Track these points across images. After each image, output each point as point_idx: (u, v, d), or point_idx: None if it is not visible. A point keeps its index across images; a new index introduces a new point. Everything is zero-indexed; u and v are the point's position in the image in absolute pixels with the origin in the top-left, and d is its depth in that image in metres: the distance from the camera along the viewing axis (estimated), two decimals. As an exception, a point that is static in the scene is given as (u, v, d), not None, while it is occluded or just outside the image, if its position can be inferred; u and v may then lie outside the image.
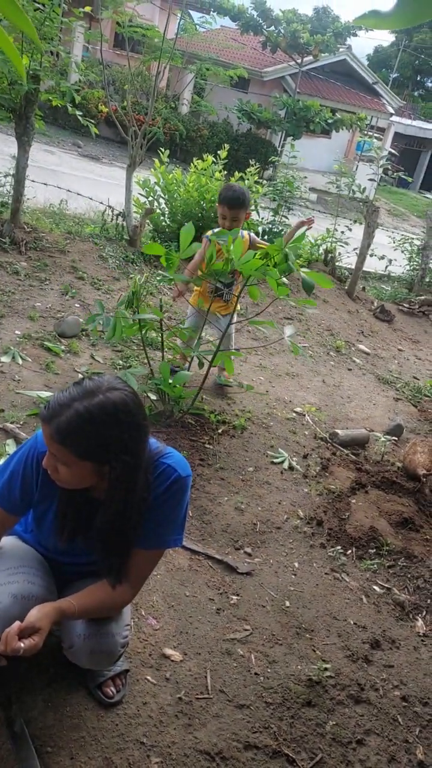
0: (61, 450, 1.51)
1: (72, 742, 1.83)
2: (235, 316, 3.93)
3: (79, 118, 4.88)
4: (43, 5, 4.58)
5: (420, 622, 2.72)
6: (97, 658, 1.82)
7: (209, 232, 3.92)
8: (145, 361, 3.83)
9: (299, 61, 18.85)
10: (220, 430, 3.72)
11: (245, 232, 3.97)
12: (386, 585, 2.90)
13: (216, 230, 3.85)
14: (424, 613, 2.79)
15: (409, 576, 2.99)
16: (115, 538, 1.66)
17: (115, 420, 1.52)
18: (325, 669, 2.31)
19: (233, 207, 3.78)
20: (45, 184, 6.41)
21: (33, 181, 5.78)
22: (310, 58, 18.96)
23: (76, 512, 1.70)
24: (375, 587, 2.87)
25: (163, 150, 6.42)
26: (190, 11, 16.30)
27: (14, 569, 1.74)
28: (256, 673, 2.23)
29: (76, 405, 1.50)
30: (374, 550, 3.10)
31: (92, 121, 5.03)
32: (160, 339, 3.78)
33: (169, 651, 2.22)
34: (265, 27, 17.97)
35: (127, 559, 1.72)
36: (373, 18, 1.05)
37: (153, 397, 3.75)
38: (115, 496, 1.59)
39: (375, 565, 3.00)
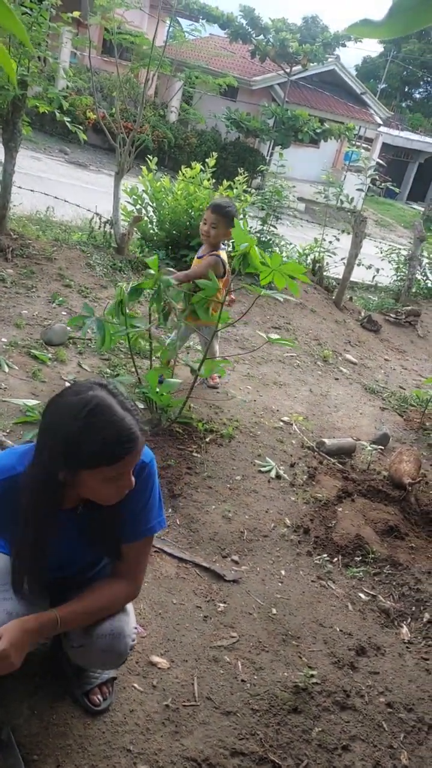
0: None
1: (58, 749, 1.83)
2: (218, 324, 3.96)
3: (68, 124, 4.90)
4: (31, 9, 4.59)
5: (405, 629, 2.75)
6: (107, 658, 1.82)
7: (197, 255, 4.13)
8: (133, 369, 3.84)
9: (288, 70, 18.99)
10: (207, 439, 3.73)
11: (215, 253, 3.99)
12: (372, 592, 2.93)
13: (202, 248, 4.09)
14: (409, 620, 2.81)
15: (394, 583, 3.02)
16: (106, 537, 1.74)
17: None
18: (312, 676, 2.33)
19: (214, 211, 3.93)
20: (32, 190, 6.42)
21: (20, 187, 5.78)
22: (299, 67, 19.11)
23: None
24: (361, 594, 2.90)
25: (151, 158, 6.44)
26: (179, 18, 16.41)
27: (8, 586, 1.73)
28: (242, 680, 2.24)
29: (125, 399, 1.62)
30: (360, 558, 3.13)
31: (80, 127, 5.05)
32: (148, 347, 3.79)
33: (156, 658, 2.22)
34: (254, 35, 18.09)
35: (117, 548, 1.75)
36: (366, 27, 1.07)
37: (141, 405, 3.76)
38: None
39: (361, 573, 3.03)
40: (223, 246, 4.15)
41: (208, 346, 3.83)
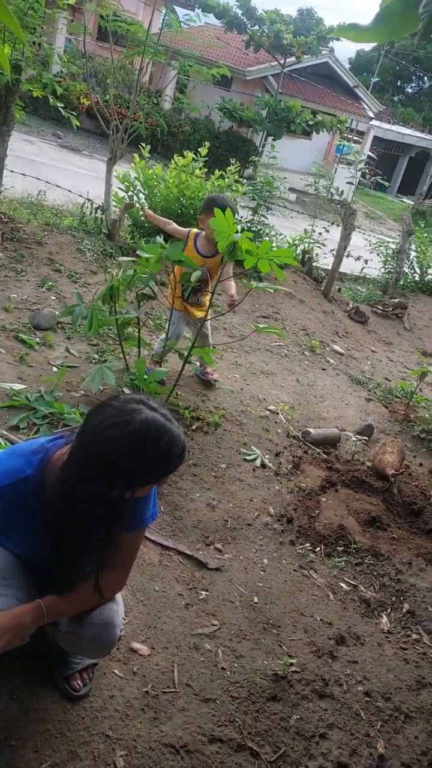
0: None
1: (37, 735, 1.83)
2: (209, 314, 3.95)
3: (61, 109, 4.85)
4: (27, -5, 4.54)
5: (384, 619, 2.77)
6: (96, 647, 1.83)
7: (194, 230, 3.99)
8: (121, 355, 3.82)
9: (282, 61, 18.89)
10: (194, 427, 3.73)
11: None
12: (353, 582, 2.95)
13: (199, 233, 3.96)
14: (389, 610, 2.84)
15: (375, 574, 3.04)
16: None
17: None
18: (291, 664, 2.34)
19: (204, 213, 3.85)
20: (23, 174, 6.35)
21: (12, 171, 5.73)
22: (293, 59, 19.00)
23: None
24: (342, 584, 2.92)
25: (143, 145, 6.40)
26: (174, 7, 16.25)
27: (1, 581, 1.71)
28: (222, 668, 2.25)
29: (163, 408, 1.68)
30: (342, 548, 3.15)
31: (73, 113, 5.00)
32: (136, 334, 3.78)
33: (137, 645, 2.23)
34: (249, 26, 17.97)
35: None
36: (353, 31, 1.08)
37: (128, 391, 3.74)
38: None
39: (342, 563, 3.05)
40: None
41: (195, 337, 3.81)
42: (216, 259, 3.89)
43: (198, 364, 4.31)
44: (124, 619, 1.90)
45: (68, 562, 1.68)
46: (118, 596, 1.88)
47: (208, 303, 3.89)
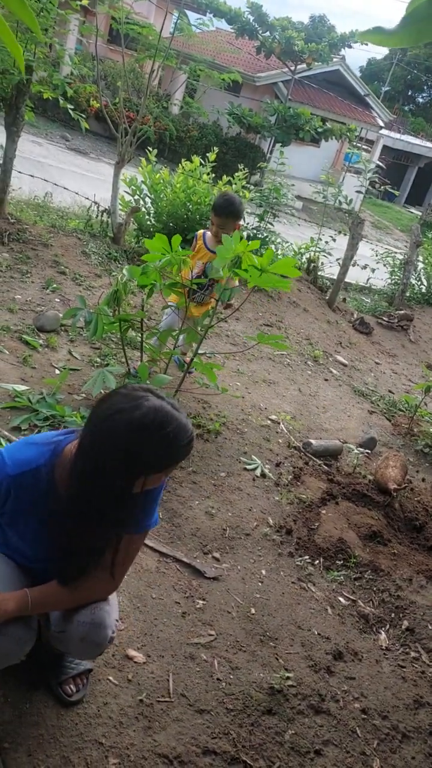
0: None
1: (30, 739, 1.82)
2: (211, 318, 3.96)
3: (70, 111, 4.85)
4: (40, -4, 4.55)
5: (383, 636, 2.75)
6: (86, 647, 1.81)
7: (200, 231, 4.06)
8: (123, 359, 3.81)
9: (293, 68, 18.93)
10: (195, 434, 3.71)
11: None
12: (352, 597, 2.93)
13: (204, 231, 4.02)
14: (388, 626, 2.82)
15: (374, 589, 3.02)
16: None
17: None
18: (287, 678, 2.33)
19: (218, 214, 3.85)
20: (31, 175, 6.36)
21: (19, 172, 5.73)
22: (304, 66, 19.05)
23: None
24: (340, 599, 2.90)
25: (151, 149, 6.40)
26: (186, 11, 16.29)
27: None
28: (218, 679, 2.24)
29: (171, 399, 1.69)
30: (341, 562, 3.13)
31: (82, 115, 5.01)
32: (139, 338, 3.77)
33: (132, 652, 2.21)
34: (260, 32, 18.02)
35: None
36: (378, 35, 1.07)
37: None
38: None
39: (341, 577, 3.03)
40: None
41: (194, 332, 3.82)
42: None
43: (180, 351, 4.30)
44: (117, 621, 1.88)
45: (74, 551, 1.69)
46: (112, 598, 1.87)
47: (212, 303, 3.94)
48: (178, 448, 1.59)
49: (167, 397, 1.62)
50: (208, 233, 4.00)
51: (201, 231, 4.07)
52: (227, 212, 3.84)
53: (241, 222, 4.16)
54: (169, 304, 3.89)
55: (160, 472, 1.63)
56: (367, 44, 19.07)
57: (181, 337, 4.02)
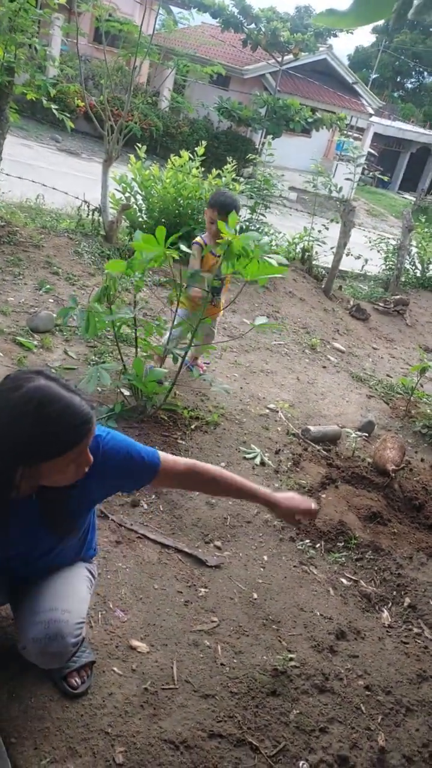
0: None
1: (36, 732, 1.84)
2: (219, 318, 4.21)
3: (54, 111, 4.86)
4: (18, -5, 4.54)
5: (385, 614, 2.77)
6: (47, 659, 1.82)
7: (198, 238, 4.00)
8: (119, 357, 3.83)
9: (279, 59, 18.90)
10: (193, 426, 3.74)
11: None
12: (353, 577, 2.95)
13: (204, 235, 3.99)
14: (390, 604, 2.84)
15: (376, 569, 3.04)
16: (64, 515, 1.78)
17: None
18: (291, 659, 2.34)
19: (210, 207, 3.89)
20: (20, 177, 6.37)
21: (8, 174, 5.74)
22: (291, 56, 19.01)
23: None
24: (342, 579, 2.92)
25: (140, 146, 6.41)
26: (170, 6, 16.26)
27: None
28: (222, 664, 2.26)
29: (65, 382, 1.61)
30: (342, 544, 3.15)
31: (68, 114, 5.02)
32: (133, 335, 3.78)
33: (136, 642, 2.23)
34: (245, 24, 17.97)
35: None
36: (332, 17, 1.08)
37: (126, 392, 3.75)
38: None
39: (343, 558, 3.05)
40: None
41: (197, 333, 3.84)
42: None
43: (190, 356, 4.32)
44: (79, 623, 1.86)
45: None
46: (74, 602, 1.88)
47: (222, 301, 4.11)
48: (64, 431, 1.49)
49: (62, 379, 1.54)
50: (206, 237, 3.97)
51: (199, 238, 3.98)
52: (220, 203, 3.85)
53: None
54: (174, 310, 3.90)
55: (49, 460, 1.52)
56: (352, 32, 19.04)
57: (200, 348, 4.10)
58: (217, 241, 3.38)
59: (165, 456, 1.87)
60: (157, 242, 3.17)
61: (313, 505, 2.03)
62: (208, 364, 4.63)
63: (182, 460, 1.90)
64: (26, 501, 1.69)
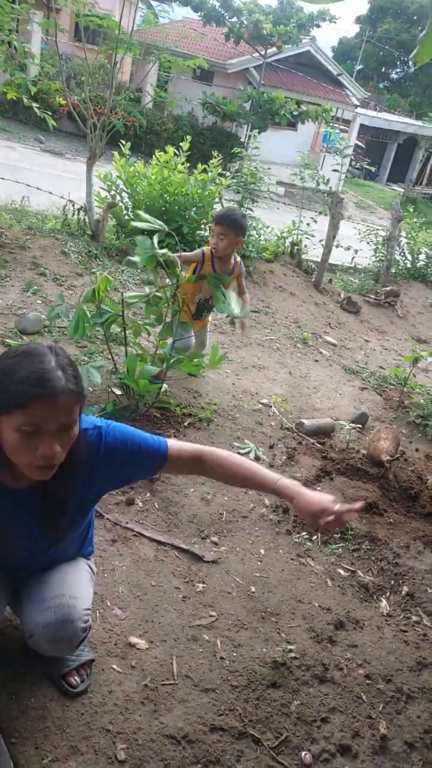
0: (76, 407, 1.53)
1: (37, 732, 1.84)
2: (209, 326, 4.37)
3: (36, 110, 4.84)
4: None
5: (384, 603, 2.78)
6: (58, 645, 1.82)
7: (206, 248, 3.99)
8: (109, 357, 3.82)
9: (263, 52, 18.85)
10: (186, 423, 3.73)
11: (237, 260, 4.12)
12: (351, 568, 2.96)
13: (210, 249, 3.94)
14: (388, 593, 2.85)
15: (373, 558, 3.05)
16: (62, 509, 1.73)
17: None
18: (290, 651, 2.35)
19: (218, 222, 3.85)
20: (3, 179, 6.34)
21: (-7, 177, 5.72)
22: (274, 49, 18.97)
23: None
24: (340, 570, 2.92)
25: (123, 142, 6.39)
26: (150, 1, 16.20)
27: None
28: (221, 658, 2.26)
29: (61, 360, 1.51)
30: (339, 535, 3.15)
31: (48, 113, 4.99)
32: (123, 334, 3.77)
33: (134, 639, 2.23)
34: (227, 18, 17.91)
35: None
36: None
37: (117, 391, 3.74)
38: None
39: (340, 549, 3.06)
40: (235, 258, 4.10)
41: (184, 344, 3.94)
42: (232, 276, 4.06)
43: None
44: (87, 609, 1.87)
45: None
46: (83, 589, 1.89)
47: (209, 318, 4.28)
48: (22, 384, 1.43)
49: (67, 361, 1.52)
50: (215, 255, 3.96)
51: (208, 251, 3.97)
52: (228, 221, 3.82)
53: (243, 239, 4.14)
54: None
55: (10, 411, 1.45)
56: (336, 21, 19.01)
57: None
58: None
59: (172, 443, 1.83)
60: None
61: (349, 506, 1.75)
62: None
63: (188, 447, 1.84)
64: (24, 494, 1.67)
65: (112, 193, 6.36)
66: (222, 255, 3.94)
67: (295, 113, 17.80)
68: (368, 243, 8.98)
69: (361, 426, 4.41)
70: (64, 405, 1.47)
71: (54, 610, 1.79)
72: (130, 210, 6.50)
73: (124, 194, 6.47)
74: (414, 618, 2.72)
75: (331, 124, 18.81)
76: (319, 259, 7.61)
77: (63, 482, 1.64)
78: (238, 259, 4.13)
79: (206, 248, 4.01)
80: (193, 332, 4.17)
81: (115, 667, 2.12)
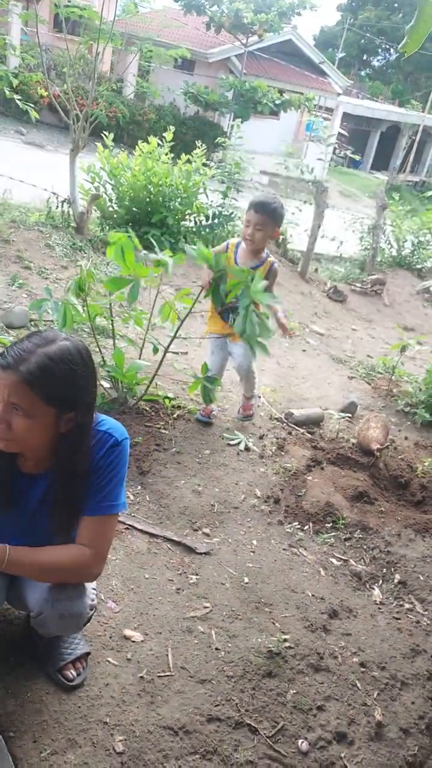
0: (28, 396, 1.53)
1: (34, 725, 1.83)
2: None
3: (18, 102, 4.79)
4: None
5: (376, 591, 2.80)
6: (66, 622, 1.82)
7: (232, 240, 3.64)
8: (97, 349, 3.80)
9: (244, 41, 18.76)
10: (175, 415, 3.73)
11: (271, 259, 3.65)
12: (343, 557, 2.97)
13: (238, 241, 3.58)
14: (381, 581, 2.87)
15: (365, 547, 3.07)
16: (64, 508, 1.72)
17: (81, 362, 1.60)
18: (285, 640, 2.36)
19: (258, 210, 3.39)
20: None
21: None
22: (256, 38, 18.88)
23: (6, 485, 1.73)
24: (332, 560, 2.94)
25: (106, 133, 6.33)
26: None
27: None
28: (216, 648, 2.27)
29: (42, 350, 1.55)
30: (331, 524, 3.17)
31: (32, 105, 4.94)
32: (110, 327, 3.76)
33: (129, 632, 2.23)
34: (208, 6, 17.80)
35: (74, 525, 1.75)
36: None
37: (106, 384, 3.73)
38: (69, 450, 1.65)
39: (332, 539, 3.07)
40: (266, 252, 3.62)
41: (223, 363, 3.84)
42: (259, 271, 3.43)
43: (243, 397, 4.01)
44: (94, 589, 1.90)
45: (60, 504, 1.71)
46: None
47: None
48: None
49: (38, 343, 1.56)
50: (243, 245, 3.53)
51: (233, 242, 3.58)
52: (268, 210, 3.39)
53: (279, 229, 3.63)
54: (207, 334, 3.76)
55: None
56: (317, 9, 18.92)
57: (244, 382, 3.83)
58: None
59: (101, 519, 1.75)
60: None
61: None
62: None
63: (85, 534, 1.74)
64: (34, 481, 1.69)
65: (96, 184, 6.31)
66: (257, 248, 3.51)
67: (278, 102, 17.76)
68: (354, 232, 8.99)
69: (350, 415, 4.42)
70: (13, 383, 1.53)
71: (62, 586, 1.78)
72: (114, 201, 6.46)
73: (107, 186, 6.42)
74: (407, 605, 2.74)
75: (314, 112, 18.78)
76: (304, 249, 7.61)
77: (73, 471, 1.68)
78: (272, 258, 3.65)
79: (232, 240, 3.63)
80: (229, 342, 3.75)
81: (110, 659, 2.11)
